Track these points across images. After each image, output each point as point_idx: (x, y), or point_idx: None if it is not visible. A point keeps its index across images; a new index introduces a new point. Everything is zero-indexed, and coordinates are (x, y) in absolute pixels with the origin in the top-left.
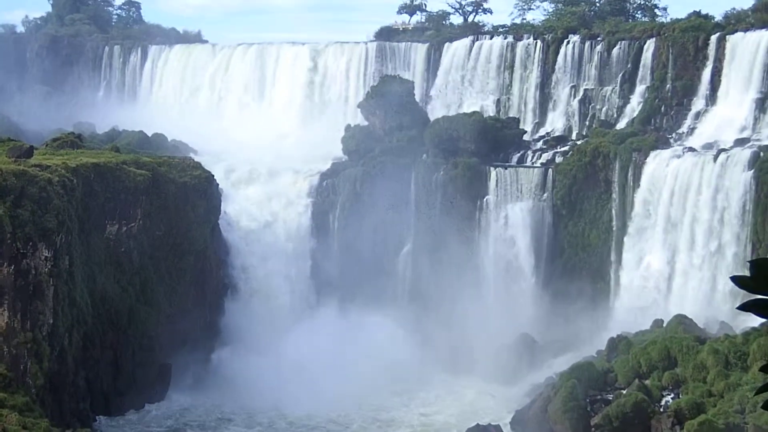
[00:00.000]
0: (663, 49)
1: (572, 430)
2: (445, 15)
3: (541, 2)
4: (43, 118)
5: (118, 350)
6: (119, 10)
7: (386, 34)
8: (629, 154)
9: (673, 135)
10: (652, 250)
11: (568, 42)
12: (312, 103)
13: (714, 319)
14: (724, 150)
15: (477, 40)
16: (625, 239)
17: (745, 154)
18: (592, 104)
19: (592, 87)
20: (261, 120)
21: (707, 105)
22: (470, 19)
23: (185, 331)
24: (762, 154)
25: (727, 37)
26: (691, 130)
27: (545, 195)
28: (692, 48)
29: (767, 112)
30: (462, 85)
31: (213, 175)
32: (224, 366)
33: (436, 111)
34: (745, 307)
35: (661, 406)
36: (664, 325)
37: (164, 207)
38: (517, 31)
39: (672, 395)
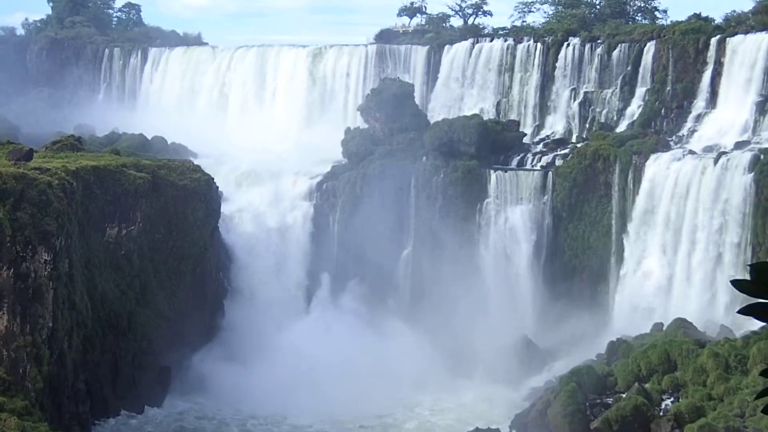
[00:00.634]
0: (663, 52)
1: None
2: (445, 17)
3: (541, 5)
4: (42, 120)
5: (117, 354)
6: (119, 13)
7: (386, 36)
8: (629, 156)
9: (674, 138)
10: (652, 253)
11: (568, 44)
12: (312, 106)
13: (714, 322)
14: (724, 153)
15: (477, 42)
16: (625, 242)
17: (745, 156)
18: (592, 107)
19: (593, 89)
20: (261, 122)
21: (707, 108)
22: (470, 21)
23: (185, 334)
24: (762, 156)
25: (728, 39)
26: (692, 132)
27: (545, 198)
28: (692, 50)
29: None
30: (462, 88)
31: (213, 178)
32: (224, 369)
33: (435, 114)
34: (745, 311)
35: (660, 409)
36: (664, 328)
37: (164, 210)
38: (517, 33)
39: (672, 399)
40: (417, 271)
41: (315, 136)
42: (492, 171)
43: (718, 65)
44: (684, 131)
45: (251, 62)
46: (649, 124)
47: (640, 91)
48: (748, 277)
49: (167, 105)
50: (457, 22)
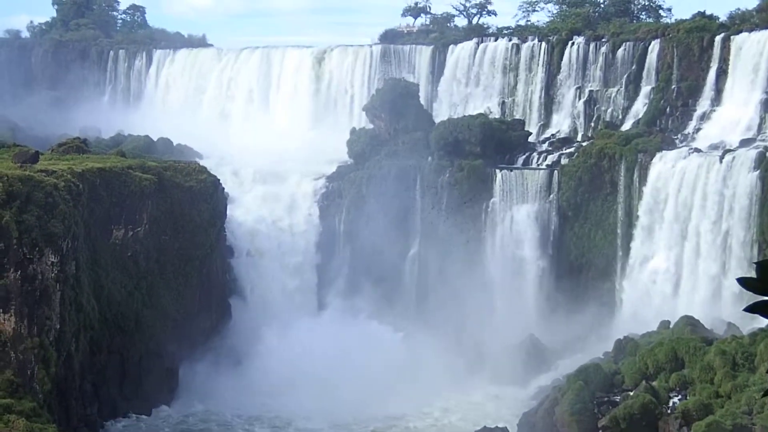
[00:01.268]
0: (668, 50)
1: None
2: (449, 17)
3: (546, 4)
4: (48, 123)
5: (124, 355)
6: (124, 15)
7: (391, 36)
8: (635, 155)
9: (679, 136)
10: (659, 252)
11: (572, 43)
12: (317, 106)
13: (721, 320)
14: (729, 150)
15: (481, 42)
16: (632, 240)
17: (750, 154)
18: (597, 105)
19: (597, 88)
20: (266, 123)
21: (712, 105)
22: (474, 21)
23: (191, 335)
24: None
25: (732, 37)
26: (697, 130)
27: (551, 197)
28: (697, 48)
29: None
30: (467, 88)
31: (218, 179)
32: (230, 370)
33: (440, 113)
34: (751, 309)
35: (668, 407)
36: (671, 326)
37: (170, 211)
38: (521, 33)
39: (679, 396)
40: (423, 270)
41: (320, 136)
42: (497, 170)
43: (723, 63)
44: (689, 129)
45: (256, 63)
46: (654, 123)
47: (645, 89)
48: (754, 274)
49: (172, 106)
50: (461, 21)
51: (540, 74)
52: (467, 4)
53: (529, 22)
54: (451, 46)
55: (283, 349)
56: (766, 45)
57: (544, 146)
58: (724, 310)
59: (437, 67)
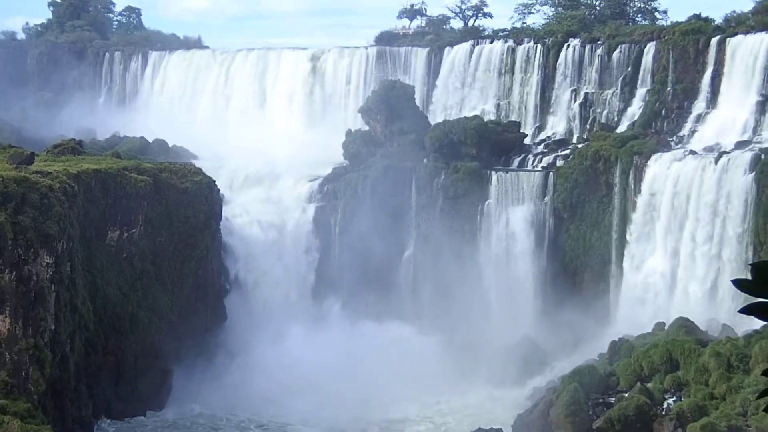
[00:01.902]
0: (663, 53)
1: None
2: (445, 19)
3: (541, 6)
4: (43, 124)
5: (119, 356)
6: (119, 17)
7: (387, 38)
8: (630, 157)
9: (674, 138)
10: (654, 253)
11: (568, 46)
12: (313, 108)
13: (716, 321)
14: (725, 153)
15: (477, 44)
16: (627, 242)
17: (746, 156)
18: (593, 108)
19: (593, 90)
20: (262, 125)
21: (708, 108)
22: (470, 23)
23: (187, 336)
24: (763, 156)
25: (728, 39)
26: (692, 133)
27: (546, 199)
28: (693, 51)
29: None
30: (462, 90)
31: (214, 181)
32: (226, 372)
33: (436, 115)
34: (746, 310)
35: (663, 409)
36: (666, 328)
37: (165, 213)
38: (517, 35)
39: (674, 398)
40: (418, 272)
41: (316, 138)
42: (493, 172)
43: (719, 65)
44: (685, 131)
45: (252, 65)
46: (649, 125)
47: (641, 91)
48: (749, 276)
49: (168, 108)
50: (457, 23)
51: (536, 76)
52: (463, 6)
53: (524, 25)
54: (446, 48)
55: (278, 350)
56: (761, 47)
57: (540, 148)
58: (719, 312)
59: (433, 69)
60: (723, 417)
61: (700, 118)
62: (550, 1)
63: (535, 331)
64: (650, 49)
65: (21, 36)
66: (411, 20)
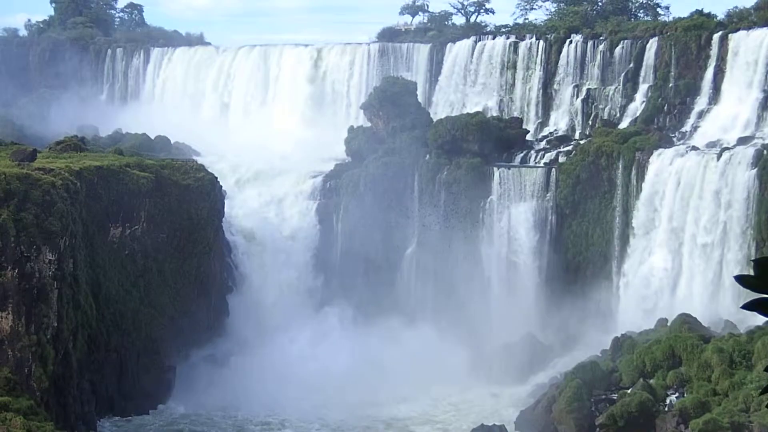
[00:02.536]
0: (665, 48)
1: (577, 430)
2: (447, 15)
3: (543, 2)
4: (45, 121)
5: (122, 353)
6: (122, 13)
7: (389, 34)
8: (632, 153)
9: (677, 134)
10: (656, 249)
11: (570, 42)
12: (315, 104)
13: (718, 317)
14: (727, 148)
15: (479, 40)
16: (629, 238)
17: (748, 152)
18: (595, 104)
19: (595, 86)
20: (264, 122)
21: (710, 104)
22: (472, 19)
23: (189, 333)
24: (765, 152)
25: (730, 35)
26: (695, 128)
27: (549, 195)
28: (695, 47)
29: None
30: (464, 86)
31: (216, 178)
32: (228, 369)
33: (438, 111)
34: (749, 306)
35: (665, 405)
36: (669, 324)
37: (168, 209)
38: (519, 31)
39: (677, 394)
40: (421, 268)
41: (318, 134)
42: (495, 168)
43: (721, 61)
44: (687, 127)
45: (254, 62)
46: (651, 121)
47: (643, 87)
48: (752, 272)
49: (170, 105)
50: (459, 20)
51: (538, 72)
52: (465, 2)
53: (527, 21)
54: (449, 44)
55: (280, 347)
56: (763, 43)
57: (542, 144)
58: (722, 308)
59: (435, 65)
60: (725, 413)
61: (702, 114)
62: None
63: (538, 328)
64: (652, 45)
65: (23, 33)
66: (413, 16)
